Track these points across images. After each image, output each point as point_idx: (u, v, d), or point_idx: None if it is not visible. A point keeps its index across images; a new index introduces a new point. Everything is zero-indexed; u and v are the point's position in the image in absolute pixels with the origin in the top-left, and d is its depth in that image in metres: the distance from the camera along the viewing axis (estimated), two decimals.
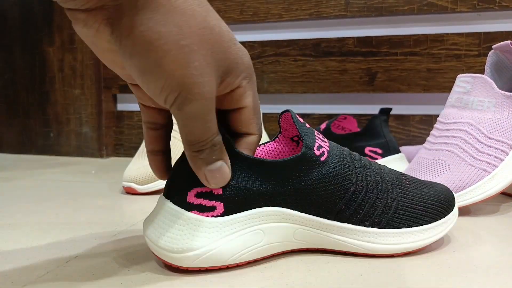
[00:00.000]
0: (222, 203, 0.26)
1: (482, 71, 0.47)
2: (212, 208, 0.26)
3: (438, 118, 0.44)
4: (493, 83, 0.41)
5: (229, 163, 0.26)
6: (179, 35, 0.22)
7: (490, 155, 0.39)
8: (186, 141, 0.24)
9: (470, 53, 0.65)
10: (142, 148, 0.51)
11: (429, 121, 0.67)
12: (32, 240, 0.33)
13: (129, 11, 0.22)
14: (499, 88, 0.47)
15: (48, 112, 0.85)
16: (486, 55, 0.65)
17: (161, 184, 0.48)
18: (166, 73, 0.22)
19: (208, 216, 0.26)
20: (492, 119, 0.40)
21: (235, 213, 0.26)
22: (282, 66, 0.73)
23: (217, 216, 0.26)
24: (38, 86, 0.84)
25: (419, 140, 0.68)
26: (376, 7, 0.68)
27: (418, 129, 0.68)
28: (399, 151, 0.54)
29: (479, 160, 0.39)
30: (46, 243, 0.32)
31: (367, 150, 0.55)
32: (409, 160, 0.62)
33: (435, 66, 0.66)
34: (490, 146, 0.40)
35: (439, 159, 0.41)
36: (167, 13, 0.22)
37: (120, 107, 0.85)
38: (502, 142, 0.40)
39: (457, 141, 0.41)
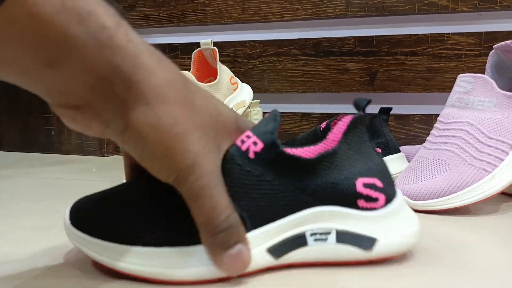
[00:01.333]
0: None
1: (483, 71, 0.48)
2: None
3: (438, 118, 0.44)
4: (493, 83, 0.41)
5: (249, 245, 0.24)
6: (172, 125, 0.22)
7: (490, 155, 0.39)
8: (199, 224, 0.24)
9: (471, 53, 0.65)
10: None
11: (429, 120, 0.67)
12: (32, 239, 0.33)
13: (121, 109, 0.22)
14: (500, 88, 0.47)
15: (49, 111, 0.85)
16: (487, 55, 0.65)
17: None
18: (162, 159, 0.23)
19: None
20: (493, 119, 0.40)
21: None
22: (282, 66, 0.73)
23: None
24: None
25: (419, 139, 0.68)
26: (377, 7, 0.68)
27: (418, 129, 0.68)
28: (399, 151, 0.55)
29: (479, 159, 0.39)
30: (45, 242, 0.32)
31: None
32: (409, 160, 0.62)
33: (435, 66, 0.66)
34: (490, 146, 0.40)
35: (439, 159, 0.41)
36: (157, 105, 0.22)
37: None
38: (503, 142, 0.40)
39: (457, 141, 0.41)
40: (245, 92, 0.61)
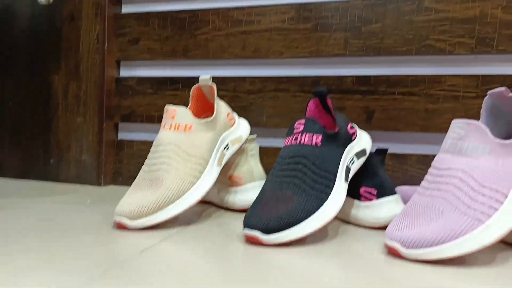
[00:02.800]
0: None
1: (480, 114, 0.48)
2: None
3: (432, 163, 0.44)
4: (487, 129, 0.41)
5: None
6: None
7: (483, 204, 0.39)
8: None
9: (468, 95, 0.65)
10: (138, 181, 0.51)
11: (427, 161, 0.67)
12: (14, 278, 0.33)
13: None
14: (495, 134, 0.47)
15: (50, 139, 0.86)
16: (484, 97, 0.65)
17: (154, 219, 0.48)
18: None
19: None
20: (486, 167, 0.40)
21: None
22: (281, 101, 0.74)
23: None
24: (42, 112, 0.86)
25: (416, 180, 0.67)
26: (375, 48, 0.69)
27: (415, 169, 0.68)
28: (394, 192, 0.54)
29: (472, 209, 0.39)
30: (29, 282, 0.32)
31: (362, 190, 0.54)
32: (405, 201, 0.61)
33: (433, 107, 0.67)
34: (483, 195, 0.39)
35: (432, 206, 0.41)
36: None
37: (121, 136, 0.86)
38: (496, 191, 0.39)
39: (451, 188, 0.40)
40: (242, 128, 0.61)
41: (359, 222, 0.54)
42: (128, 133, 0.86)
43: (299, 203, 0.44)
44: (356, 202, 0.55)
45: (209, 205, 0.65)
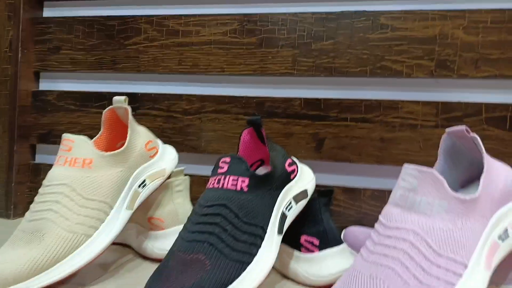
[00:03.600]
0: None
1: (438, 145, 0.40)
2: None
3: (380, 217, 0.36)
4: (444, 182, 0.33)
5: None
6: None
7: (439, 279, 0.31)
8: None
9: (427, 124, 0.58)
10: (16, 233, 0.40)
11: (382, 197, 0.59)
12: None
13: None
14: (455, 180, 0.40)
15: None
16: (444, 126, 0.59)
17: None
18: None
19: None
20: (443, 230, 0.32)
21: None
22: (222, 125, 0.65)
23: None
24: None
25: (371, 218, 0.59)
26: (325, 67, 0.61)
27: (370, 206, 0.60)
28: (340, 242, 0.45)
29: (425, 285, 0.30)
30: None
31: (302, 239, 0.45)
32: (354, 247, 0.53)
33: (389, 136, 0.59)
34: (439, 267, 0.31)
35: (376, 277, 0.32)
36: None
37: (39, 158, 0.74)
38: (455, 261, 0.31)
39: (400, 255, 0.32)
40: (166, 158, 0.51)
41: (298, 279, 0.45)
42: (48, 155, 0.74)
43: (212, 271, 0.34)
44: (296, 253, 0.46)
45: (128, 249, 0.55)
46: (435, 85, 0.61)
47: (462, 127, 0.37)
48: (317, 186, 0.60)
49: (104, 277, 0.44)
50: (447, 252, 0.31)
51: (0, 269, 0.37)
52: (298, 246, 0.46)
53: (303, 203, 0.45)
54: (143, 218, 0.52)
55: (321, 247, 0.45)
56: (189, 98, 0.66)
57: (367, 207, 0.60)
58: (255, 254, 0.36)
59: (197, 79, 0.68)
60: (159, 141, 0.53)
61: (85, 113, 0.70)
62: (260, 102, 0.63)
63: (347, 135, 0.60)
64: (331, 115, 0.61)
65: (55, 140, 0.71)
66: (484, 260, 0.33)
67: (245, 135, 0.47)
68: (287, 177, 0.44)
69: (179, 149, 0.65)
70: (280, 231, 0.40)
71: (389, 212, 0.35)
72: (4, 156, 0.70)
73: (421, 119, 0.58)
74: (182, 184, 0.53)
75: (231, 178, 0.39)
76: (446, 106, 0.58)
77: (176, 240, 0.37)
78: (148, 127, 0.66)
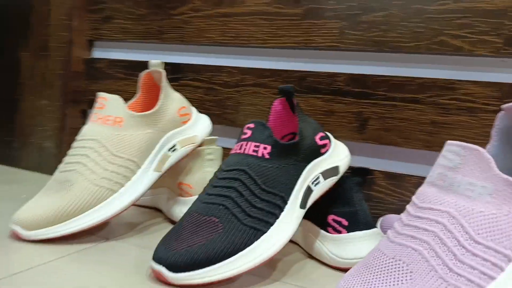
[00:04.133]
0: None
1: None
2: None
3: (413, 197, 0.32)
4: (492, 161, 0.28)
5: None
6: None
7: (473, 269, 0.26)
8: None
9: (488, 108, 0.52)
10: (50, 182, 0.42)
11: None
12: None
13: None
14: (509, 166, 0.34)
15: (14, 121, 0.78)
16: None
17: (52, 232, 0.38)
18: None
19: None
20: (484, 214, 0.28)
21: None
22: (261, 99, 0.63)
23: None
24: (8, 92, 0.78)
25: None
26: (376, 41, 0.56)
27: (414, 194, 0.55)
28: (372, 226, 0.42)
29: (456, 273, 0.26)
30: None
31: (330, 218, 0.42)
32: None
33: (441, 119, 0.53)
34: (475, 255, 0.27)
35: (400, 260, 0.29)
36: None
37: None
38: (496, 250, 0.27)
39: (430, 238, 0.28)
40: (199, 126, 0.51)
41: (323, 259, 0.42)
42: None
43: (225, 234, 0.33)
44: (323, 233, 0.43)
45: (159, 213, 0.55)
46: (501, 65, 0.53)
47: None
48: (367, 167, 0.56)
49: (129, 234, 0.45)
50: (487, 240, 0.27)
51: (32, 213, 0.38)
52: (325, 226, 0.43)
53: (333, 179, 0.42)
54: (173, 183, 0.52)
55: (350, 228, 0.42)
56: (230, 70, 0.64)
57: (411, 195, 0.55)
58: (272, 224, 0.34)
59: (239, 51, 0.67)
60: (193, 109, 0.52)
61: (132, 81, 0.71)
62: (302, 76, 0.60)
63: (394, 116, 0.55)
64: (378, 93, 0.56)
65: None
66: None
67: (276, 104, 0.44)
68: (317, 151, 0.41)
69: (217, 122, 0.65)
70: (303, 205, 0.38)
71: (424, 192, 0.31)
72: (57, 119, 0.74)
73: (481, 102, 0.52)
74: (213, 154, 0.53)
75: (253, 144, 0.37)
76: None
77: (194, 201, 0.37)
78: (189, 98, 0.66)
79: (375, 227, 0.42)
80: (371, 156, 0.59)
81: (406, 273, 0.28)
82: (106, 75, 0.73)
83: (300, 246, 0.47)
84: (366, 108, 0.57)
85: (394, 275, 0.28)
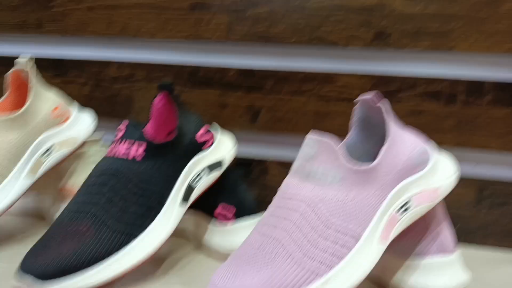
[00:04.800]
0: None
1: None
2: None
3: (279, 188, 0.34)
4: (338, 152, 0.31)
5: None
6: None
7: (325, 251, 0.29)
8: None
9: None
10: None
11: None
12: None
13: None
14: (368, 152, 0.38)
15: None
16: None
17: None
18: None
19: None
20: (333, 201, 0.30)
21: None
22: (153, 93, 0.61)
23: None
24: None
25: None
26: (261, 36, 0.58)
27: None
28: (256, 214, 0.44)
29: (310, 257, 0.29)
30: None
31: (217, 210, 0.43)
32: None
33: (323, 110, 0.57)
34: (326, 239, 0.29)
35: (265, 248, 0.30)
36: None
37: None
38: (344, 233, 0.29)
39: (289, 226, 0.30)
40: (79, 126, 0.48)
41: (212, 249, 0.43)
42: None
43: (96, 240, 0.31)
44: (212, 224, 0.44)
45: (41, 222, 0.51)
46: (371, 58, 0.58)
47: (369, 95, 0.35)
48: (251, 158, 0.58)
49: (13, 247, 0.41)
50: (336, 224, 0.30)
51: None
52: (213, 217, 0.44)
53: (216, 174, 0.42)
54: (55, 188, 0.49)
55: (237, 215, 0.43)
56: (119, 64, 0.62)
57: None
58: (147, 226, 0.34)
59: (127, 45, 0.64)
60: (73, 108, 0.49)
61: None
62: (193, 70, 0.60)
63: (281, 108, 0.58)
64: (266, 87, 0.58)
65: None
66: (380, 233, 0.31)
67: (158, 101, 0.43)
68: (198, 147, 0.41)
69: (107, 120, 0.62)
70: (183, 203, 0.38)
71: (286, 183, 0.33)
72: None
73: (356, 93, 0.56)
74: (98, 154, 0.50)
75: (124, 146, 0.36)
76: (383, 80, 0.56)
77: (63, 210, 0.35)
78: (75, 96, 0.62)
79: (257, 214, 0.44)
80: (265, 146, 0.62)
81: (268, 262, 0.29)
82: None
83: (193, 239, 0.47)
84: (257, 101, 0.59)
85: (259, 264, 0.29)
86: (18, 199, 0.41)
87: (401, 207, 0.33)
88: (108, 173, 0.34)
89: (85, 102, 0.62)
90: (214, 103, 0.60)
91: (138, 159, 0.35)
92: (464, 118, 0.54)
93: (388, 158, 0.32)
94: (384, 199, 0.32)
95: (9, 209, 0.41)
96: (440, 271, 0.33)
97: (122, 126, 0.37)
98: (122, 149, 0.35)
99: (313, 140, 0.32)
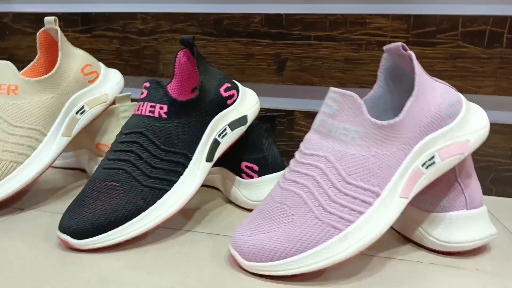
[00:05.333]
0: None
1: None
2: None
3: (300, 144, 0.34)
4: (362, 105, 0.30)
5: None
6: None
7: (344, 207, 0.29)
8: None
9: (397, 41, 0.53)
10: None
11: None
12: None
13: None
14: (397, 101, 0.37)
15: None
16: (416, 43, 0.53)
17: None
18: None
19: None
20: (354, 156, 0.30)
21: None
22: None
23: None
24: None
25: None
26: None
27: None
28: (281, 169, 0.44)
29: (329, 212, 0.29)
30: None
31: (243, 165, 0.44)
32: None
33: (354, 55, 0.55)
34: (346, 195, 0.29)
35: (284, 204, 0.31)
36: None
37: None
38: (364, 188, 0.29)
39: (309, 182, 0.30)
40: (109, 83, 0.49)
41: (239, 203, 0.45)
42: None
43: (125, 198, 0.34)
44: (237, 178, 0.45)
45: (82, 174, 0.55)
46: None
47: (398, 44, 0.33)
48: (276, 110, 0.58)
49: (48, 201, 0.45)
50: (356, 180, 0.29)
51: None
52: (239, 172, 0.45)
53: (241, 129, 0.43)
54: (92, 144, 0.51)
55: (260, 173, 0.44)
56: (143, 16, 0.61)
57: None
58: (176, 181, 0.36)
59: None
60: (101, 65, 0.50)
61: None
62: (218, 19, 0.58)
63: (310, 55, 0.56)
64: (294, 33, 0.56)
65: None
66: (402, 188, 0.31)
67: (181, 57, 0.43)
68: (222, 103, 0.41)
69: (136, 73, 0.63)
70: (209, 158, 0.39)
71: (308, 139, 0.33)
72: None
73: (390, 36, 0.53)
74: (128, 110, 0.52)
75: (149, 104, 0.36)
76: (419, 20, 0.52)
77: (97, 167, 0.37)
78: (105, 50, 0.63)
79: (284, 168, 0.45)
80: (290, 97, 0.61)
81: (289, 215, 0.30)
82: (13, 30, 0.68)
83: (220, 192, 0.49)
84: (283, 49, 0.57)
85: (279, 218, 0.30)
86: (58, 156, 0.44)
87: (427, 161, 0.32)
88: (136, 130, 0.35)
89: (115, 56, 0.63)
90: (239, 54, 0.58)
91: (164, 116, 0.36)
92: (507, 61, 0.50)
93: (414, 111, 0.31)
94: (408, 154, 0.31)
95: (52, 165, 0.44)
96: (466, 225, 0.33)
97: (147, 84, 0.37)
98: (147, 107, 0.36)
99: (337, 94, 0.31)
